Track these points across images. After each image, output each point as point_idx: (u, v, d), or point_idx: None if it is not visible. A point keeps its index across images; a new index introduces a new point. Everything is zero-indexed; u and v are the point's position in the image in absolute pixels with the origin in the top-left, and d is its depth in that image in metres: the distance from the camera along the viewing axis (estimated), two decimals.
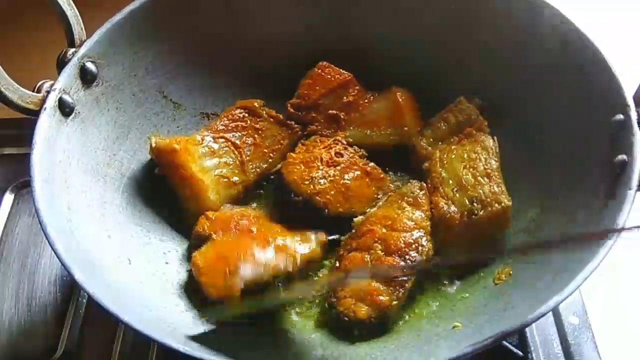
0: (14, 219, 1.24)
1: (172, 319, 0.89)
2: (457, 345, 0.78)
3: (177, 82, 1.16)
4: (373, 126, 1.18)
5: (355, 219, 1.04)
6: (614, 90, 0.91)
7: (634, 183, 0.82)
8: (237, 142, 1.13)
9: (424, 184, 1.05)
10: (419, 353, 0.88)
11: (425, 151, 1.12)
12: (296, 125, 1.18)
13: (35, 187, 0.86)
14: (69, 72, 0.98)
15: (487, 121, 1.10)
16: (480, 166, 1.02)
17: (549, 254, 0.88)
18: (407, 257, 0.96)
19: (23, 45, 1.54)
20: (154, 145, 1.06)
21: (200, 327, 0.92)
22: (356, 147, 1.14)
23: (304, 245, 0.96)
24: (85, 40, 1.01)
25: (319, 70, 1.20)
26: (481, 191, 0.99)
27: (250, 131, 1.15)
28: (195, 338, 0.87)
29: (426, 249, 0.97)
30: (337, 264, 1.00)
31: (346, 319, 0.93)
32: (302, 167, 1.09)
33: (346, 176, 1.09)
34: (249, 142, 1.14)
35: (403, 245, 0.97)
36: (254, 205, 1.12)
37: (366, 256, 0.97)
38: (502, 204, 0.97)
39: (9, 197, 1.26)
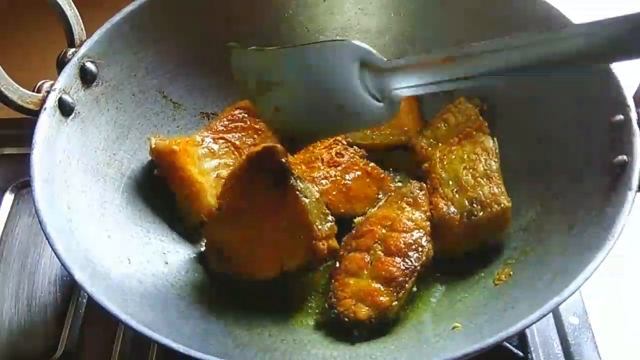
0: (14, 219, 1.24)
1: (171, 319, 0.89)
2: (457, 345, 0.78)
3: (177, 82, 1.16)
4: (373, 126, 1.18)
5: (355, 219, 1.04)
6: (614, 90, 0.91)
7: (634, 183, 0.82)
8: (237, 142, 1.13)
9: (424, 185, 1.05)
10: (419, 353, 0.88)
11: (425, 152, 1.12)
12: None
13: (35, 187, 0.86)
14: (69, 72, 0.98)
15: (487, 121, 1.10)
16: (480, 167, 1.02)
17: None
18: (406, 257, 0.96)
19: (23, 45, 1.54)
20: (153, 146, 1.06)
21: (201, 327, 0.91)
22: (356, 147, 1.14)
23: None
24: (85, 40, 1.01)
25: None
26: (481, 192, 0.99)
27: (250, 132, 1.15)
28: (195, 338, 0.87)
29: (426, 250, 0.97)
30: (337, 264, 1.00)
31: (346, 319, 0.93)
32: (303, 168, 1.09)
33: (347, 176, 1.09)
34: (249, 142, 1.14)
35: (403, 246, 0.97)
36: None
37: (366, 256, 0.97)
38: (502, 205, 0.97)
39: (9, 197, 1.26)
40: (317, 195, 1.00)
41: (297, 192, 0.96)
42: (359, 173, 1.10)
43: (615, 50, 0.70)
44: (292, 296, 1.01)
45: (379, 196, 1.09)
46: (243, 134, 1.15)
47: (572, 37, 0.72)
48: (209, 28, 1.16)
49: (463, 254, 1.01)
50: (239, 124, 1.15)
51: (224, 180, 1.06)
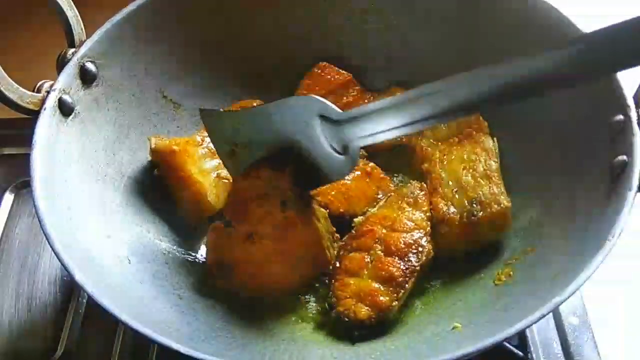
0: (14, 219, 1.24)
1: (172, 319, 0.89)
2: (457, 345, 0.78)
3: (177, 82, 1.16)
4: None
5: (355, 219, 1.04)
6: (614, 90, 0.91)
7: (634, 184, 0.82)
8: None
9: (424, 185, 1.05)
10: (419, 353, 0.88)
11: (425, 152, 1.12)
12: None
13: (35, 187, 0.86)
14: (69, 72, 0.98)
15: (487, 122, 1.10)
16: (480, 167, 1.02)
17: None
18: (406, 257, 0.96)
19: (23, 45, 1.54)
20: (153, 146, 1.06)
21: (201, 327, 0.91)
22: None
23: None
24: (85, 41, 1.01)
25: (319, 71, 1.21)
26: (481, 192, 1.00)
27: None
28: (195, 338, 0.87)
29: (426, 250, 0.97)
30: (337, 264, 1.00)
31: (346, 319, 0.93)
32: None
33: (347, 176, 1.08)
34: None
35: (403, 246, 0.97)
36: None
37: (366, 256, 0.97)
38: (502, 205, 0.97)
39: (9, 197, 1.26)
40: (325, 213, 1.01)
41: (312, 217, 0.96)
42: (358, 173, 1.10)
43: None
44: (292, 296, 1.00)
45: (379, 196, 1.09)
46: None
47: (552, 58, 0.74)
48: (209, 28, 1.16)
49: (463, 254, 1.01)
50: None
51: (224, 179, 1.06)
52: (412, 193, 1.04)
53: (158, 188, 1.08)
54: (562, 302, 0.75)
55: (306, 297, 1.00)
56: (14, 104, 0.92)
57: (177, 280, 0.99)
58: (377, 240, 0.98)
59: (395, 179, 1.16)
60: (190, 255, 1.06)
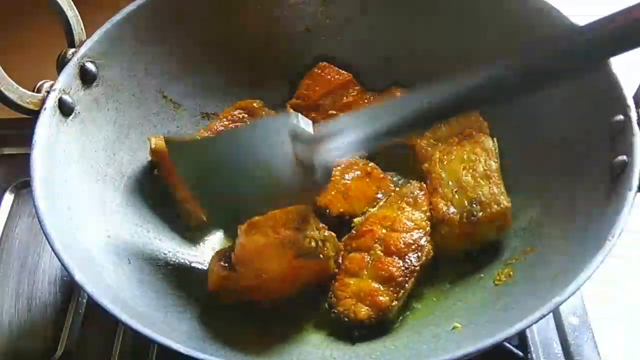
0: (14, 219, 1.24)
1: (172, 319, 0.89)
2: (457, 345, 0.78)
3: (177, 82, 1.16)
4: None
5: (355, 219, 1.04)
6: (614, 90, 0.91)
7: (634, 184, 0.82)
8: None
9: (424, 185, 1.05)
10: (418, 353, 0.88)
11: (424, 152, 1.12)
12: None
13: (35, 187, 0.86)
14: (69, 72, 0.98)
15: (487, 122, 1.10)
16: (479, 167, 1.02)
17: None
18: (406, 257, 0.96)
19: (23, 45, 1.54)
20: (153, 146, 1.06)
21: (201, 327, 0.91)
22: None
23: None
24: (85, 41, 1.01)
25: (319, 71, 1.20)
26: (480, 192, 0.99)
27: None
28: (196, 338, 0.87)
29: (426, 250, 0.97)
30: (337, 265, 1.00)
31: (346, 319, 0.93)
32: None
33: (346, 176, 1.09)
34: None
35: (403, 246, 0.97)
36: None
37: (366, 256, 0.97)
38: (502, 205, 0.97)
39: (9, 197, 1.26)
40: (334, 235, 0.98)
41: (328, 262, 0.95)
42: (358, 173, 1.10)
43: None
44: (291, 296, 1.00)
45: (379, 196, 1.09)
46: None
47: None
48: (209, 28, 1.16)
49: (463, 254, 1.01)
50: (239, 124, 1.15)
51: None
52: (412, 193, 1.04)
53: (158, 188, 1.08)
54: (562, 302, 0.75)
55: (306, 297, 1.00)
56: (14, 104, 0.92)
57: (177, 281, 0.99)
58: (377, 240, 0.98)
59: (395, 179, 1.16)
60: (190, 255, 1.06)
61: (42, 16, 1.46)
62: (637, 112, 0.88)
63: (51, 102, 0.94)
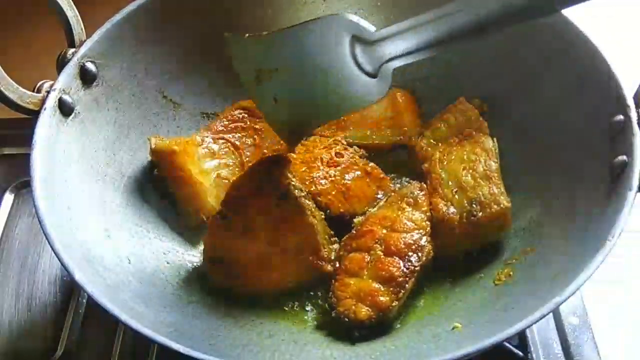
0: (14, 219, 1.24)
1: (172, 319, 0.89)
2: (457, 345, 0.78)
3: (177, 82, 1.16)
4: (373, 126, 1.18)
5: (355, 219, 1.04)
6: (614, 90, 0.91)
7: (634, 184, 0.82)
8: (237, 142, 1.13)
9: (424, 185, 1.05)
10: (418, 353, 0.88)
11: (424, 152, 1.12)
12: None
13: (35, 187, 0.86)
14: (69, 72, 0.98)
15: (487, 122, 1.10)
16: (479, 167, 1.02)
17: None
18: (406, 257, 0.96)
19: (23, 45, 1.54)
20: (153, 146, 1.06)
21: (201, 327, 0.91)
22: (356, 147, 1.14)
23: None
24: (85, 41, 1.01)
25: None
26: (480, 192, 0.99)
27: (250, 132, 1.15)
28: (195, 338, 0.87)
29: (426, 250, 0.97)
30: (337, 264, 1.00)
31: (346, 319, 0.93)
32: (303, 168, 1.09)
33: (347, 176, 1.09)
34: (249, 142, 1.14)
35: (403, 246, 0.97)
36: None
37: (366, 256, 0.97)
38: (501, 206, 0.97)
39: (9, 197, 1.26)
40: (322, 215, 1.02)
41: (308, 212, 0.97)
42: (358, 173, 1.10)
43: None
44: (292, 296, 1.00)
45: (379, 196, 1.09)
46: (243, 134, 1.15)
47: None
48: (209, 28, 1.16)
49: (463, 254, 1.01)
50: (239, 124, 1.15)
51: (224, 180, 1.06)
52: (412, 193, 1.04)
53: (158, 188, 1.08)
54: (562, 302, 0.75)
55: (306, 297, 1.00)
56: (14, 104, 0.92)
57: (177, 280, 0.99)
58: (377, 240, 0.98)
59: (395, 179, 1.16)
60: (190, 255, 1.06)
61: (42, 16, 1.47)
62: (637, 112, 0.88)
63: (51, 102, 0.94)
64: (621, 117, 0.88)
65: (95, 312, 1.09)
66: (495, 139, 1.06)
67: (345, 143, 1.14)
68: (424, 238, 0.98)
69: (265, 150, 1.14)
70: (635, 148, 0.85)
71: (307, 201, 0.99)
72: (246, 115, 1.16)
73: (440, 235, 1.00)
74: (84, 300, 1.11)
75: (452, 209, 1.00)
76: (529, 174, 1.04)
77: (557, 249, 0.91)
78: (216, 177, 1.08)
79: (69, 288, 1.14)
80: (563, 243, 0.90)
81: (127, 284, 0.90)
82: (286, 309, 0.99)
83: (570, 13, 1.00)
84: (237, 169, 1.11)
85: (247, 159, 1.13)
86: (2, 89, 0.90)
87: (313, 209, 1.00)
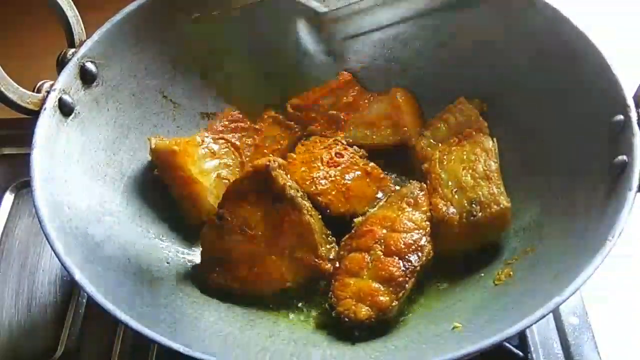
0: (14, 219, 1.24)
1: (172, 319, 0.89)
2: (457, 346, 0.78)
3: (177, 82, 1.16)
4: (373, 126, 1.18)
5: (355, 219, 1.04)
6: (614, 90, 0.91)
7: (634, 184, 0.82)
8: (237, 142, 1.13)
9: (424, 185, 1.05)
10: (419, 353, 0.88)
11: (424, 152, 1.12)
12: (296, 126, 1.18)
13: (35, 187, 0.86)
14: (69, 72, 0.98)
15: (487, 122, 1.10)
16: (479, 167, 1.02)
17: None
18: (407, 257, 0.96)
19: (23, 45, 1.54)
20: (153, 146, 1.06)
21: (201, 327, 0.91)
22: (356, 148, 1.14)
23: None
24: (85, 41, 1.01)
25: None
26: (480, 193, 1.00)
27: (250, 132, 1.15)
28: (196, 338, 0.87)
29: (426, 250, 0.97)
30: (337, 264, 1.00)
31: (346, 319, 0.93)
32: (303, 168, 1.09)
33: (347, 176, 1.09)
34: (249, 142, 1.15)
35: (403, 246, 0.97)
36: None
37: (366, 256, 0.97)
38: (501, 206, 0.97)
39: (9, 197, 1.26)
40: (319, 215, 1.02)
41: (304, 212, 0.97)
42: (358, 173, 1.10)
43: None
44: (292, 296, 1.00)
45: (379, 196, 1.09)
46: (243, 134, 1.15)
47: None
48: (209, 28, 1.16)
49: (463, 254, 1.01)
50: (239, 124, 1.15)
51: (224, 180, 1.06)
52: (412, 193, 1.04)
53: (158, 188, 1.08)
54: (562, 302, 0.75)
55: (306, 297, 1.00)
56: (14, 104, 0.92)
57: (177, 280, 0.99)
58: (377, 240, 0.98)
59: (395, 179, 1.16)
60: (190, 255, 1.06)
61: (42, 16, 1.46)
62: (637, 112, 0.88)
63: (51, 102, 0.94)
64: (621, 117, 0.88)
65: (95, 312, 1.09)
66: (495, 139, 1.06)
67: (345, 143, 1.14)
68: (424, 238, 0.98)
69: (265, 150, 1.15)
70: (635, 148, 0.85)
71: (303, 201, 0.99)
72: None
73: (440, 235, 1.00)
74: (84, 300, 1.11)
75: (452, 209, 1.00)
76: (529, 174, 1.04)
77: (557, 249, 0.91)
78: (216, 177, 1.08)
79: (69, 288, 1.14)
80: (563, 243, 0.90)
81: (127, 284, 0.90)
82: (286, 309, 0.99)
83: (570, 12, 1.00)
84: (237, 169, 1.11)
85: (247, 159, 1.13)
86: (2, 89, 0.90)
87: (310, 208, 1.00)
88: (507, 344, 1.01)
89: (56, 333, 1.08)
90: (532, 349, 1.02)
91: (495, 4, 1.10)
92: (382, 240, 0.98)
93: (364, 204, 1.08)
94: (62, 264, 0.80)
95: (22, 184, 1.27)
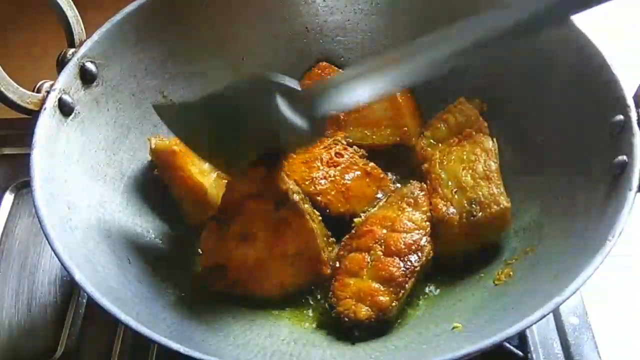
0: (14, 219, 1.24)
1: (172, 319, 0.89)
2: (457, 346, 0.78)
3: (177, 82, 1.16)
4: (373, 126, 1.17)
5: (355, 219, 1.04)
6: (614, 90, 0.91)
7: (634, 184, 0.82)
8: None
9: (424, 185, 1.05)
10: (419, 353, 0.88)
11: (424, 152, 1.12)
12: None
13: (35, 187, 0.86)
14: (69, 72, 0.98)
15: (487, 122, 1.10)
16: (479, 168, 1.02)
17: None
18: (406, 257, 0.96)
19: (23, 45, 1.54)
20: (153, 146, 1.06)
21: (201, 327, 0.91)
22: (356, 147, 1.14)
23: None
24: (85, 41, 1.01)
25: (319, 71, 1.21)
26: (480, 193, 1.00)
27: None
28: (195, 338, 0.87)
29: (426, 250, 0.97)
30: (337, 264, 1.00)
31: (346, 319, 0.93)
32: (303, 168, 1.09)
33: (346, 176, 1.09)
34: None
35: (403, 246, 0.97)
36: None
37: (366, 256, 0.97)
38: (501, 206, 0.97)
39: (9, 197, 1.26)
40: (320, 217, 1.02)
41: (307, 217, 0.96)
42: (358, 173, 1.10)
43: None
44: (291, 296, 1.00)
45: (379, 196, 1.09)
46: None
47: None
48: (209, 28, 1.16)
49: (463, 254, 1.01)
50: None
51: (224, 180, 1.06)
52: (412, 193, 1.04)
53: (158, 188, 1.08)
54: (562, 302, 0.75)
55: (306, 297, 1.01)
56: (14, 104, 0.92)
57: (177, 280, 0.99)
58: (377, 240, 0.98)
59: (395, 179, 1.16)
60: (190, 255, 1.06)
61: (42, 16, 1.47)
62: (637, 112, 0.88)
63: (51, 102, 0.94)
64: (621, 117, 0.88)
65: (95, 312, 1.09)
66: (495, 139, 1.06)
67: (345, 143, 1.14)
68: (424, 238, 0.98)
69: None
70: (635, 148, 0.85)
71: (305, 205, 0.98)
72: None
73: (440, 235, 1.00)
74: (84, 300, 1.11)
75: (452, 209, 1.00)
76: (529, 174, 1.04)
77: (557, 249, 0.91)
78: (216, 177, 1.08)
79: (69, 288, 1.14)
80: (563, 243, 0.90)
81: (127, 284, 0.90)
82: (286, 309, 0.99)
83: None
84: None
85: None
86: (2, 89, 0.90)
87: (311, 212, 0.99)
88: (507, 344, 1.01)
89: (56, 333, 1.08)
90: (532, 349, 1.02)
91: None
92: (382, 241, 0.98)
93: (363, 204, 1.08)
94: (62, 264, 0.80)
95: (22, 184, 1.27)
